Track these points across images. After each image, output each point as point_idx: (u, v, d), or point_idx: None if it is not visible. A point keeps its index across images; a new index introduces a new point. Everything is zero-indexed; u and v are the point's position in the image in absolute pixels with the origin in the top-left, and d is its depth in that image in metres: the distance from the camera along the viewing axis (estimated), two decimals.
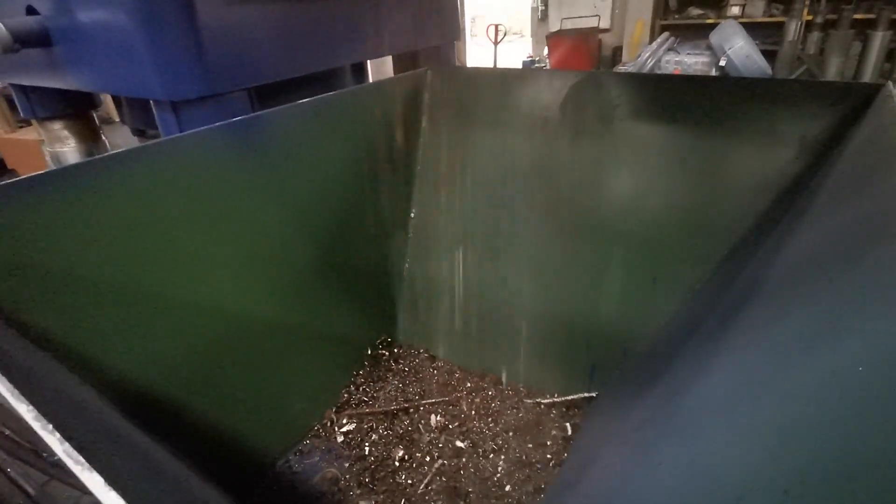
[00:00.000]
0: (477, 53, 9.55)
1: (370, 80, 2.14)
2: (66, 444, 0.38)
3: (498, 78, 1.73)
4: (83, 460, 0.37)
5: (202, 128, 1.17)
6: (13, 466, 1.65)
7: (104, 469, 0.36)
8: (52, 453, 1.57)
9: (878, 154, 0.82)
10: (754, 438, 0.50)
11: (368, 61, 2.07)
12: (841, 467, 0.39)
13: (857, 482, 0.36)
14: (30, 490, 1.69)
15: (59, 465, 1.66)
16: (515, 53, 8.36)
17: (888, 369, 0.42)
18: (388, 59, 2.19)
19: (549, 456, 1.51)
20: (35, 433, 1.36)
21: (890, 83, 1.05)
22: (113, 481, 0.35)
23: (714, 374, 0.74)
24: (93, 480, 0.36)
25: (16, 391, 0.42)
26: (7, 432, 1.62)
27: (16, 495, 1.63)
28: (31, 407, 0.41)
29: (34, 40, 1.42)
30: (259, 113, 1.32)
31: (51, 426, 0.39)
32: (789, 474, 0.42)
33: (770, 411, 0.52)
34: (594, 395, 1.61)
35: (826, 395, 0.46)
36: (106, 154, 1.05)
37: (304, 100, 1.40)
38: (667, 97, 1.41)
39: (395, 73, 2.17)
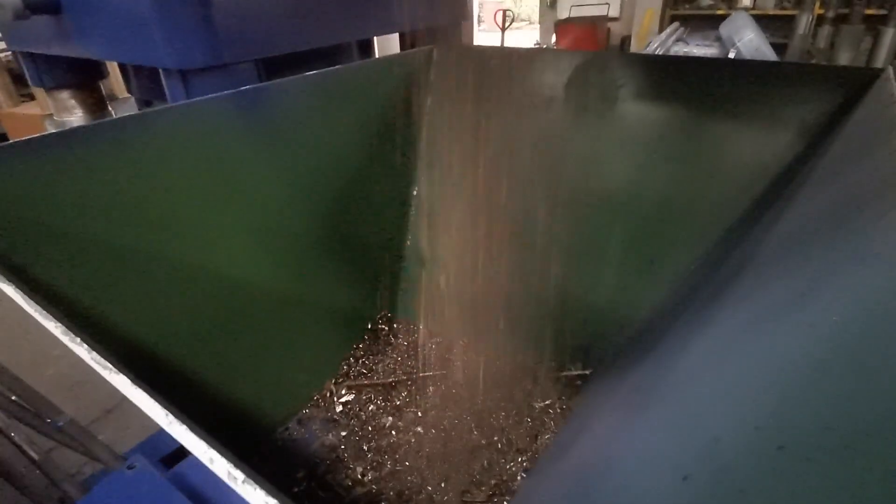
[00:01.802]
0: (484, 39, 9.47)
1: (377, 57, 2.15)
2: (94, 353, 0.41)
3: (503, 57, 1.74)
4: (110, 365, 0.40)
5: (209, 96, 1.19)
6: (19, 432, 1.69)
7: (129, 373, 0.39)
8: (58, 419, 1.60)
9: (870, 136, 0.84)
10: (729, 388, 0.53)
11: (375, 38, 2.08)
12: (809, 403, 0.41)
13: (824, 417, 0.39)
14: (34, 455, 1.73)
15: (64, 431, 1.70)
16: (523, 40, 8.30)
17: (859, 318, 0.44)
18: (395, 38, 2.19)
19: (543, 428, 1.54)
20: (41, 399, 1.39)
21: (890, 68, 1.07)
22: (138, 380, 0.38)
23: (700, 342, 0.77)
24: (120, 381, 0.39)
25: (43, 311, 0.45)
26: (13, 398, 1.66)
27: (21, 461, 1.67)
28: (58, 324, 0.44)
29: (44, 7, 1.43)
30: (266, 83, 1.33)
31: (78, 339, 0.42)
32: (760, 414, 0.45)
33: (747, 364, 0.55)
34: (589, 371, 1.65)
35: (800, 344, 0.48)
36: (114, 118, 1.07)
37: (311, 72, 1.41)
38: (669, 79, 1.42)
39: (401, 51, 2.17)
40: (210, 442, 0.36)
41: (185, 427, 0.37)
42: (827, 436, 0.36)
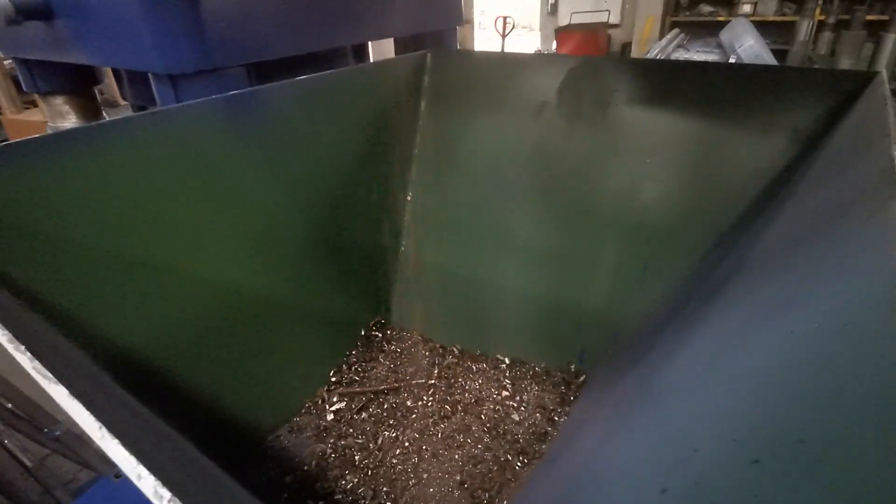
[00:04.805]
0: (485, 46, 9.49)
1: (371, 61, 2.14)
2: (36, 362, 0.40)
3: (498, 62, 1.73)
4: (50, 375, 0.39)
5: (199, 100, 1.19)
6: (12, 439, 1.67)
7: (71, 384, 0.38)
8: (54, 428, 1.59)
9: (860, 140, 0.82)
10: (710, 398, 0.51)
11: (370, 43, 2.08)
12: (784, 414, 0.39)
13: (799, 429, 0.37)
14: (27, 462, 1.72)
15: (60, 440, 1.69)
16: (524, 47, 8.32)
17: (837, 327, 0.42)
18: (390, 43, 2.19)
19: (537, 436, 1.52)
20: (38, 408, 1.37)
21: (884, 71, 1.05)
22: (77, 394, 0.37)
23: (687, 351, 0.76)
24: (58, 392, 0.38)
25: None
26: (9, 406, 1.65)
27: (14, 468, 1.66)
28: (5, 331, 0.42)
29: (36, 12, 1.43)
30: (257, 88, 1.33)
31: (23, 347, 0.41)
32: (738, 425, 0.43)
33: (730, 373, 0.53)
34: (583, 377, 1.62)
35: (780, 354, 0.47)
36: (103, 121, 1.06)
37: (304, 77, 1.41)
38: (663, 84, 1.41)
39: (395, 55, 2.17)
40: (141, 458, 0.34)
41: (116, 441, 0.35)
42: (800, 449, 0.34)
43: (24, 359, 0.40)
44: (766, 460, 0.38)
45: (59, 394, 0.38)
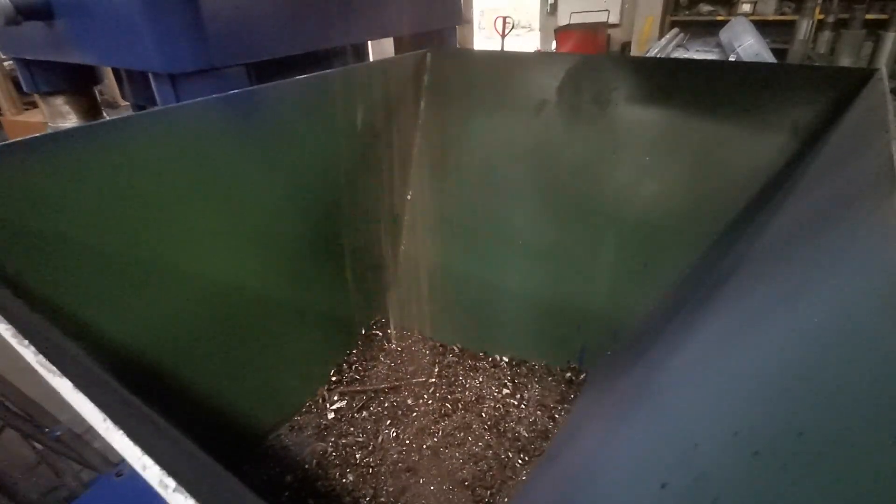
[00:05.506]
0: (485, 46, 9.51)
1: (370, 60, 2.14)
2: (40, 356, 0.40)
3: (498, 61, 1.73)
4: (55, 368, 0.39)
5: (199, 99, 1.19)
6: (13, 440, 1.67)
7: (74, 377, 0.38)
8: (55, 428, 1.59)
9: (859, 137, 0.83)
10: (710, 395, 0.51)
11: (370, 43, 2.08)
12: (785, 407, 0.40)
13: (799, 421, 0.37)
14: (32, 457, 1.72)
15: (60, 440, 1.69)
16: (523, 47, 8.33)
17: (837, 322, 0.43)
18: (390, 42, 2.19)
19: (538, 434, 1.52)
20: (38, 408, 1.37)
21: (883, 68, 1.05)
22: (82, 387, 0.37)
23: (687, 347, 0.76)
24: (62, 385, 0.38)
25: None
26: (10, 405, 1.65)
27: (15, 468, 1.66)
28: (8, 325, 0.43)
29: (36, 12, 1.44)
30: (256, 87, 1.33)
31: (26, 341, 0.41)
32: (739, 419, 0.43)
33: (731, 368, 0.53)
34: (583, 375, 1.63)
35: (781, 348, 0.47)
36: (102, 120, 1.06)
37: (303, 76, 1.41)
38: (663, 81, 1.41)
39: (395, 54, 2.17)
40: (146, 448, 0.34)
41: (121, 432, 0.36)
42: (801, 441, 0.34)
43: (28, 352, 0.40)
44: (766, 452, 0.38)
45: (64, 387, 0.38)
